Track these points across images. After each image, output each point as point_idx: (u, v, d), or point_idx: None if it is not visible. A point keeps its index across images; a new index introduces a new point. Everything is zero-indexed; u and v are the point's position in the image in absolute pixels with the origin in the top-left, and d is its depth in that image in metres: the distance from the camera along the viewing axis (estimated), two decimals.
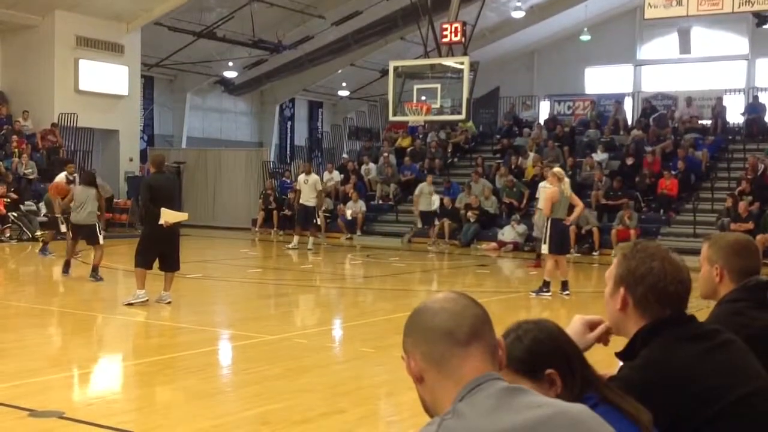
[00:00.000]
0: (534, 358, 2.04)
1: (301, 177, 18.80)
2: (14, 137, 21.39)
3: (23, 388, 6.02)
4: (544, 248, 11.63)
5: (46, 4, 21.93)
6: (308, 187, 18.31)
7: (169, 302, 9.88)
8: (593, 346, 2.36)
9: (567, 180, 11.87)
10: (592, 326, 2.39)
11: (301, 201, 18.46)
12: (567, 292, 11.59)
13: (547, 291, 11.53)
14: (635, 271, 2.29)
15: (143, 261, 9.84)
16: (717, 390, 2.17)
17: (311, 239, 18.51)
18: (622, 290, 2.30)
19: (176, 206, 10.07)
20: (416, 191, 21.65)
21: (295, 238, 18.51)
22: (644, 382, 2.17)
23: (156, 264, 9.98)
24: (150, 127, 28.83)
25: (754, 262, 2.98)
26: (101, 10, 22.60)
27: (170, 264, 9.94)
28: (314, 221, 18.72)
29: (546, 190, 12.21)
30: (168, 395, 6.16)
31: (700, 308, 2.45)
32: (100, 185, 22.05)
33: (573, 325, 2.40)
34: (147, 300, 9.73)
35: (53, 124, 22.35)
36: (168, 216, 9.64)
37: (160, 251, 9.86)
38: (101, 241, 12.37)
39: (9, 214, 18.79)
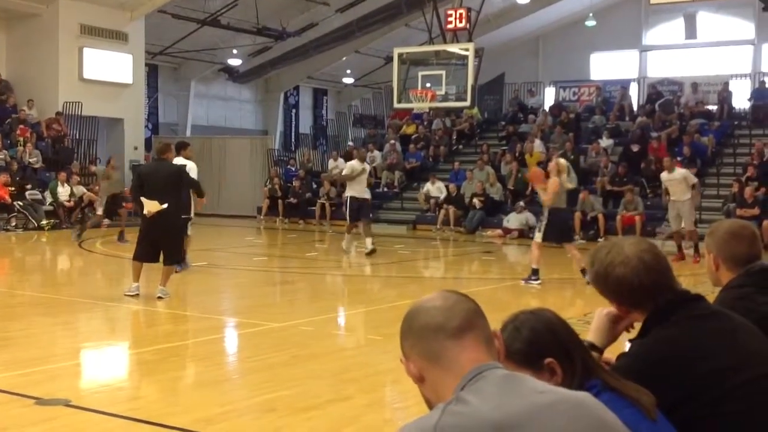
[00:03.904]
0: (533, 348, 2.05)
1: (356, 163, 14.69)
2: (19, 126, 21.41)
3: (30, 377, 6.04)
4: (538, 236, 11.58)
5: None
6: (365, 176, 14.88)
7: (160, 297, 9.38)
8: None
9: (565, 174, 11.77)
10: (615, 320, 2.40)
11: (354, 194, 14.57)
12: (536, 278, 11.50)
13: (536, 279, 11.44)
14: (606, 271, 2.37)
15: (136, 253, 9.59)
16: (728, 369, 2.17)
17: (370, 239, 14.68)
18: (615, 305, 2.38)
19: (165, 197, 9.33)
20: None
21: (347, 237, 14.81)
22: (655, 357, 2.18)
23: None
24: (155, 115, 28.82)
25: (748, 248, 2.97)
26: None
27: (164, 257, 9.54)
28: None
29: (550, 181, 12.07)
30: (174, 383, 6.17)
31: (706, 294, 2.45)
32: (107, 172, 22.08)
33: (599, 320, 2.41)
34: (137, 294, 9.45)
35: (58, 113, 22.35)
36: (147, 206, 9.26)
37: (154, 243, 9.46)
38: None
39: (14, 203, 18.82)
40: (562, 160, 12.30)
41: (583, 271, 11.47)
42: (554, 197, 11.36)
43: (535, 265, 11.47)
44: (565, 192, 11.60)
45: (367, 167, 14.73)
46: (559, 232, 11.52)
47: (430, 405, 1.78)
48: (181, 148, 11.56)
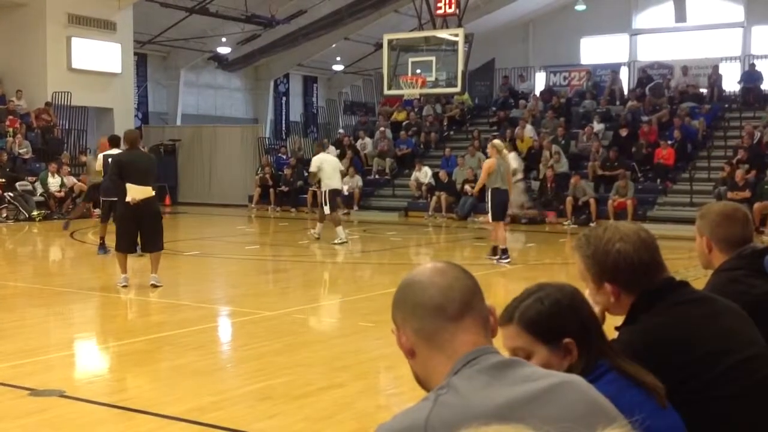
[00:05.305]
0: (553, 323, 1.98)
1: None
2: (8, 117, 21.31)
3: (23, 368, 6.03)
4: (489, 217, 12.29)
5: None
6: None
7: (153, 285, 9.42)
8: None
9: (506, 152, 12.48)
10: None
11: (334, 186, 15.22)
12: (506, 257, 12.21)
13: (506, 257, 12.17)
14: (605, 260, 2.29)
15: (121, 245, 9.50)
16: (717, 354, 2.17)
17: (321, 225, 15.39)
18: (607, 286, 2.29)
19: (147, 184, 9.35)
20: None
21: (318, 226, 15.43)
22: (647, 344, 2.17)
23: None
24: (144, 104, 28.69)
25: (740, 230, 2.95)
26: None
27: (150, 244, 9.52)
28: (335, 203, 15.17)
29: (484, 162, 12.66)
30: (168, 372, 6.18)
31: (697, 277, 2.46)
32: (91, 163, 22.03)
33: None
34: (126, 285, 9.42)
35: (47, 103, 22.24)
36: (134, 192, 9.19)
37: (138, 231, 9.43)
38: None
39: (5, 194, 18.75)
40: (497, 141, 12.81)
41: (494, 250, 12.31)
42: (490, 178, 11.88)
43: (503, 245, 12.18)
44: (504, 172, 12.02)
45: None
46: (501, 210, 12.12)
47: (418, 378, 1.76)
48: (118, 142, 11.69)
